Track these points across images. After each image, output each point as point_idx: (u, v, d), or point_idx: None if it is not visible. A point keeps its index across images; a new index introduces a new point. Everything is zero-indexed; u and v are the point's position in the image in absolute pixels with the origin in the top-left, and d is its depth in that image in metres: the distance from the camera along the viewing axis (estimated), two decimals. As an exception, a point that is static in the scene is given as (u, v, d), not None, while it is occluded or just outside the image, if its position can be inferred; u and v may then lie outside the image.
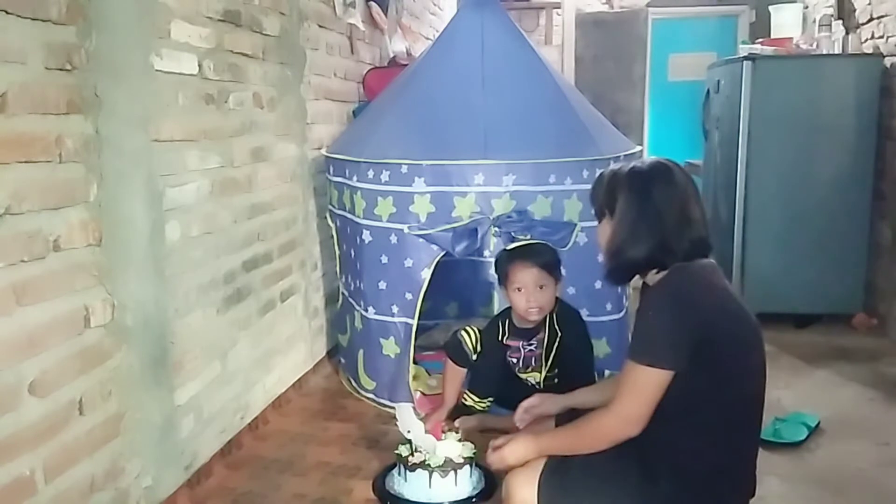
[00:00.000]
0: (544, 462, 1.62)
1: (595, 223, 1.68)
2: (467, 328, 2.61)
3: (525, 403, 2.02)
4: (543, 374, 2.53)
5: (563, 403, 1.98)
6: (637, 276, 1.62)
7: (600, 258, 1.68)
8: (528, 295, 2.41)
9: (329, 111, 3.42)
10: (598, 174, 1.68)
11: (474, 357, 2.57)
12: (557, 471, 1.60)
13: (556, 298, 2.48)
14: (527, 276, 2.40)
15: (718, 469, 1.50)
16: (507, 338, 2.55)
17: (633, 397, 1.47)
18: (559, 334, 2.47)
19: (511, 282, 2.44)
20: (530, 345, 2.53)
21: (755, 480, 1.58)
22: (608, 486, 1.55)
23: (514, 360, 2.56)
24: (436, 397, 2.81)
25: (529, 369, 2.56)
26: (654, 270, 1.56)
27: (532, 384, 2.55)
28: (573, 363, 2.47)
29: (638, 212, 1.53)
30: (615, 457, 1.55)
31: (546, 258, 2.42)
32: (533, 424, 2.01)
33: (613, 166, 1.66)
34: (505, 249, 2.51)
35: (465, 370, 2.61)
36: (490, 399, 2.62)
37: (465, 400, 2.62)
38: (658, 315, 1.47)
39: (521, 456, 1.66)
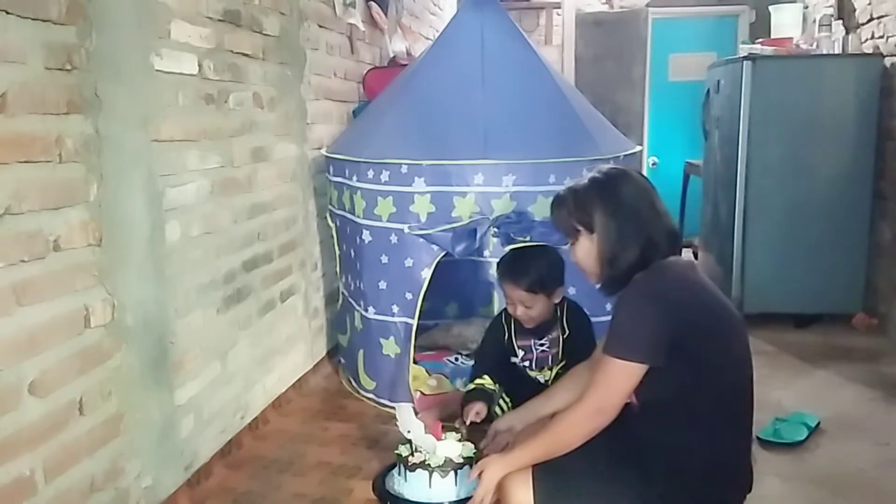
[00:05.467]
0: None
1: None
2: (476, 379, 2.49)
3: (496, 425, 2.11)
4: (555, 371, 2.51)
5: (524, 418, 2.02)
6: None
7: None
8: (518, 308, 2.43)
9: (329, 111, 3.42)
10: (554, 199, 1.68)
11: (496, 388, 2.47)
12: (553, 472, 1.60)
13: (563, 297, 2.48)
14: (514, 296, 2.42)
15: (713, 465, 1.51)
16: (517, 338, 2.55)
17: (605, 389, 1.51)
18: (567, 332, 2.49)
19: (505, 292, 2.47)
20: (542, 344, 2.52)
21: (752, 475, 1.59)
22: (605, 488, 1.56)
23: (527, 363, 2.55)
24: (435, 397, 2.81)
25: (544, 369, 2.55)
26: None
27: (542, 382, 2.53)
28: (578, 361, 2.46)
29: (617, 217, 1.57)
30: (611, 458, 1.56)
31: (533, 277, 2.37)
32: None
33: (567, 186, 1.68)
34: (503, 257, 2.49)
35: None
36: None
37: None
38: (633, 311, 1.50)
39: (498, 477, 1.65)
